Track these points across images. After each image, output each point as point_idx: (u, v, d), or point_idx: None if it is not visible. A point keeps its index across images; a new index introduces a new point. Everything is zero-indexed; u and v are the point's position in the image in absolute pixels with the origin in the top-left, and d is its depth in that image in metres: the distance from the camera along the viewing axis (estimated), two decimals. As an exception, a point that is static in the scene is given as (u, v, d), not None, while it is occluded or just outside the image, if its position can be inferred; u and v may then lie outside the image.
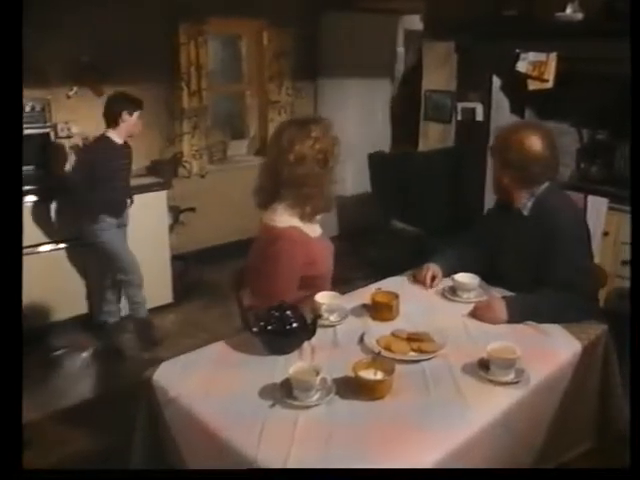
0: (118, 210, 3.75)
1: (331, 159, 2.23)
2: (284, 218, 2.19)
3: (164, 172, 4.55)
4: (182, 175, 4.92)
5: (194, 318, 4.28)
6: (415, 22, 5.79)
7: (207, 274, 4.76)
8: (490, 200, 4.66)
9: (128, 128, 3.62)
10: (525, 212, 2.36)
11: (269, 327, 1.93)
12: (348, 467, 1.44)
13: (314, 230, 2.30)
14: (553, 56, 3.80)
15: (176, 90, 4.76)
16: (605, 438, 2.19)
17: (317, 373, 1.72)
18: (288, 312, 1.95)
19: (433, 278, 2.46)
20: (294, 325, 1.93)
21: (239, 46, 5.52)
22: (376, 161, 4.54)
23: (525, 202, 2.35)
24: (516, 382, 1.78)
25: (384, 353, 1.87)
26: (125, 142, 3.70)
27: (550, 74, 3.80)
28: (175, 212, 4.66)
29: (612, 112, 3.76)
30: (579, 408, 2.07)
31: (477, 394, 1.74)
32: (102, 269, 3.90)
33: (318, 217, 2.33)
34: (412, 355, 1.90)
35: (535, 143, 2.27)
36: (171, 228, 4.56)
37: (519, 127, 2.37)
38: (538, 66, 3.83)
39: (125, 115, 3.57)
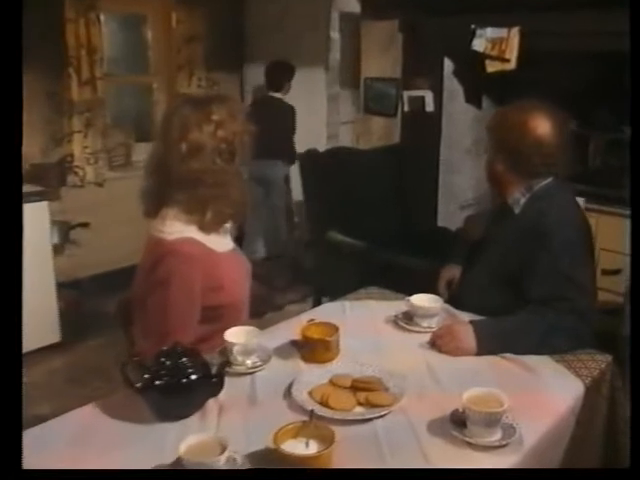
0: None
1: (239, 151, 1.91)
2: (176, 227, 1.85)
3: (48, 179, 4.16)
4: (73, 184, 4.52)
5: (88, 361, 3.82)
6: (351, 3, 5.54)
7: (106, 305, 4.26)
8: (445, 204, 4.56)
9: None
10: (516, 209, 2.17)
11: (157, 382, 1.55)
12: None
13: (221, 243, 1.96)
14: (515, 31, 3.65)
15: (63, 78, 4.35)
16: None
17: (222, 448, 1.34)
18: (184, 359, 1.58)
19: (450, 283, 2.40)
20: (193, 377, 1.56)
21: (144, 29, 5.17)
22: (308, 161, 4.23)
23: (518, 197, 2.17)
24: (504, 445, 1.45)
25: (320, 411, 1.52)
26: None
27: (512, 53, 3.67)
28: (64, 228, 4.30)
29: (584, 98, 3.58)
30: (583, 460, 1.79)
31: (451, 464, 1.40)
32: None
33: (227, 226, 1.98)
34: (359, 412, 1.58)
35: (541, 126, 2.08)
36: (59, 248, 4.21)
37: (526, 106, 2.16)
38: (498, 43, 3.69)
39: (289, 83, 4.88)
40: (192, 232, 1.86)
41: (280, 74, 4.89)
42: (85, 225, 4.44)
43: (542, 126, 2.08)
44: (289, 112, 4.88)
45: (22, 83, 1.35)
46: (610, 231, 3.52)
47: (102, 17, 4.48)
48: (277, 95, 4.88)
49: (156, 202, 1.92)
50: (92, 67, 4.38)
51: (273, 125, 4.54)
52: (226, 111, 1.89)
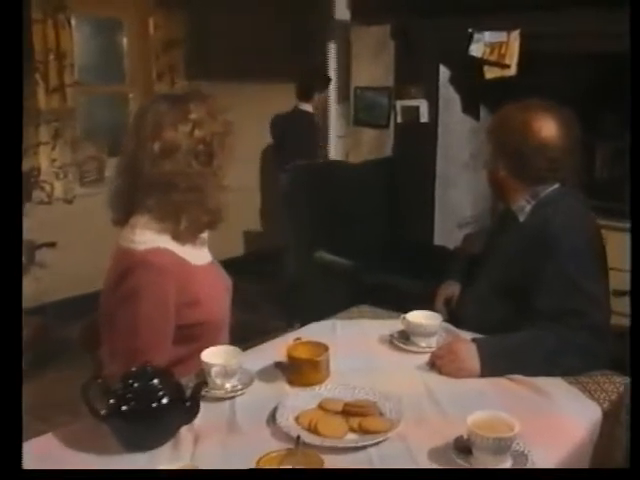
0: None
1: (219, 153, 1.86)
2: (147, 236, 1.79)
3: (12, 194, 4.02)
4: (39, 199, 4.47)
5: (53, 394, 3.70)
6: (340, 10, 5.57)
7: (74, 333, 4.16)
8: (442, 222, 4.52)
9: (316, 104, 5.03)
10: (521, 218, 2.14)
11: (124, 407, 1.48)
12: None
13: (197, 255, 1.90)
14: (515, 35, 3.67)
15: (29, 85, 4.28)
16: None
17: (196, 480, 1.25)
18: (155, 380, 1.52)
19: (449, 301, 2.37)
20: (164, 401, 1.49)
21: (119, 35, 5.17)
22: (294, 176, 4.19)
23: (523, 205, 2.14)
24: (515, 475, 1.38)
25: (307, 438, 1.46)
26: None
27: (512, 57, 3.68)
28: (28, 248, 4.21)
29: (590, 104, 3.56)
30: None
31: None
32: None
33: (204, 236, 1.93)
34: (351, 438, 1.52)
35: (545, 127, 2.05)
36: (23, 270, 4.07)
37: (529, 105, 2.13)
38: (497, 48, 3.71)
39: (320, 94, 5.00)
40: (165, 242, 1.80)
41: (311, 82, 5.00)
42: (52, 245, 4.36)
43: (547, 127, 2.05)
44: (316, 127, 5.04)
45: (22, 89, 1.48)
46: (620, 248, 3.48)
47: (73, 21, 4.45)
48: (307, 108, 5.00)
49: (126, 208, 1.86)
50: (61, 74, 4.34)
51: (298, 139, 4.90)
52: (205, 110, 1.84)
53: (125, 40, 5.13)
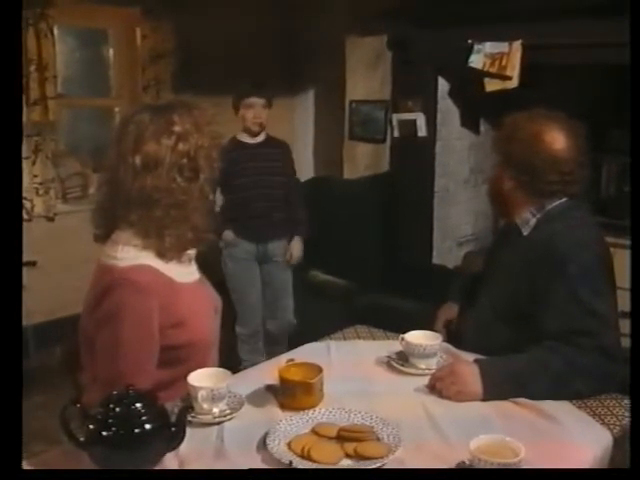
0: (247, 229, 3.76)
1: (205, 167, 1.84)
2: (130, 253, 1.77)
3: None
4: (19, 216, 4.39)
5: (29, 422, 3.64)
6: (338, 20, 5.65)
7: (53, 358, 4.14)
8: (441, 240, 4.53)
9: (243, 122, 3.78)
10: (525, 231, 2.15)
11: (104, 432, 1.46)
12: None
13: (183, 272, 1.88)
14: (517, 45, 3.68)
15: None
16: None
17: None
18: (137, 405, 1.50)
19: (449, 323, 2.38)
20: (147, 426, 1.47)
21: (104, 46, 5.20)
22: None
23: (528, 218, 2.14)
24: (520, 503, 1.38)
25: (300, 464, 1.46)
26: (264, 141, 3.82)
27: (514, 69, 3.69)
28: None
29: (595, 117, 3.56)
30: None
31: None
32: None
33: (191, 253, 1.91)
34: (347, 463, 1.53)
35: (557, 140, 2.06)
36: None
37: (539, 115, 2.15)
38: (498, 59, 3.72)
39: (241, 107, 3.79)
40: (148, 259, 1.78)
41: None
42: (32, 264, 4.33)
43: (559, 139, 2.06)
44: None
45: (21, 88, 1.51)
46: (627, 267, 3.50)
47: (56, 30, 4.47)
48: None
49: (108, 223, 1.85)
50: (43, 85, 4.34)
51: None
52: (190, 121, 1.82)
53: (111, 51, 5.14)
